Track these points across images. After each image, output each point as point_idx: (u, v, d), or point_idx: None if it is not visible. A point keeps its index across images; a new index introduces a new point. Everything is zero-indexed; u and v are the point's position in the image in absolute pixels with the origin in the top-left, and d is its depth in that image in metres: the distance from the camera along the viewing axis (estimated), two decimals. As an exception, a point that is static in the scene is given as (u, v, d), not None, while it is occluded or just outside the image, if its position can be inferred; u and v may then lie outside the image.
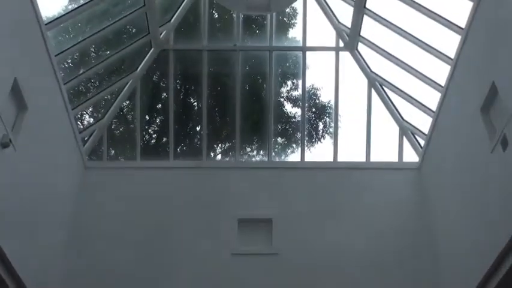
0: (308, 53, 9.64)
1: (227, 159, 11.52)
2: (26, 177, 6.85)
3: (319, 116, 11.37)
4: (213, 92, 10.82)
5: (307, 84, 10.55)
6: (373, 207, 8.78)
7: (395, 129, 9.48)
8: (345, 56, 9.50)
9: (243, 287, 8.12)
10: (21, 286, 6.68)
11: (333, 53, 9.48)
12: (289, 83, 11.35)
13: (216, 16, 10.78)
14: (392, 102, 9.48)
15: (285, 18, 10.86)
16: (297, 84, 11.22)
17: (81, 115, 10.77)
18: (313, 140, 11.24)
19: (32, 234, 7.10)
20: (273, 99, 9.85)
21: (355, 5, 8.74)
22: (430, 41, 8.25)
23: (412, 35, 8.42)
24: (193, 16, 9.81)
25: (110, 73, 10.20)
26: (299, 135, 10.51)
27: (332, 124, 10.52)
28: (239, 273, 8.18)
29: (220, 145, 11.67)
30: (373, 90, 9.45)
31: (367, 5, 8.72)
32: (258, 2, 8.32)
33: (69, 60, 9.57)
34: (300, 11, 9.91)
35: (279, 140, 11.28)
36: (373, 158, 9.43)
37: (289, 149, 11.34)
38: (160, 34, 9.33)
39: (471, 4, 7.03)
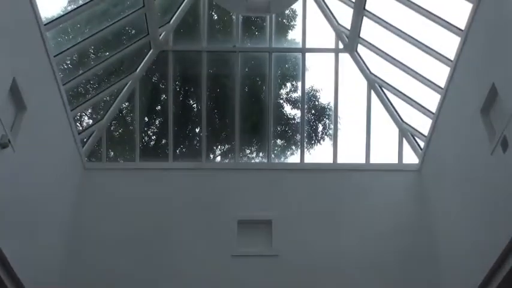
0: (307, 55, 9.64)
1: (226, 161, 11.50)
2: (25, 177, 6.83)
3: (318, 118, 11.36)
4: (213, 93, 10.81)
5: (307, 86, 10.55)
6: (373, 209, 8.77)
7: (395, 131, 9.47)
8: (345, 58, 9.50)
9: (242, 289, 8.11)
10: (20, 287, 6.65)
11: (333, 54, 9.47)
12: (288, 84, 11.34)
13: (216, 17, 10.77)
14: (392, 104, 9.48)
15: (284, 20, 10.86)
16: (297, 86, 11.22)
17: (80, 116, 10.75)
18: (313, 142, 11.23)
19: (31, 235, 7.08)
20: (273, 100, 9.84)
21: (354, 7, 8.74)
22: (429, 43, 8.25)
23: (412, 37, 8.42)
24: (192, 17, 9.79)
25: (109, 74, 10.18)
26: (298, 137, 10.49)
27: (331, 126, 10.53)
28: (239, 275, 8.16)
29: (219, 147, 11.66)
30: (372, 92, 9.45)
31: (367, 7, 8.72)
32: (257, 4, 8.32)
33: (68, 62, 9.56)
34: (299, 12, 9.91)
35: (279, 141, 11.27)
36: (373, 160, 9.43)
37: (288, 150, 11.32)
38: (160, 35, 9.32)
39: (471, 6, 7.03)
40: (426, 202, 8.78)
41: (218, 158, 11.61)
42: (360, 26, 9.07)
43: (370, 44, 9.23)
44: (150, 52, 9.46)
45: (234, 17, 9.71)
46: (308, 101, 11.01)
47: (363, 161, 9.44)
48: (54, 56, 7.73)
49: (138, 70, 9.48)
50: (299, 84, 10.61)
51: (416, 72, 8.79)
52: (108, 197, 8.87)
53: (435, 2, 7.86)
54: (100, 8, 8.68)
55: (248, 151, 11.43)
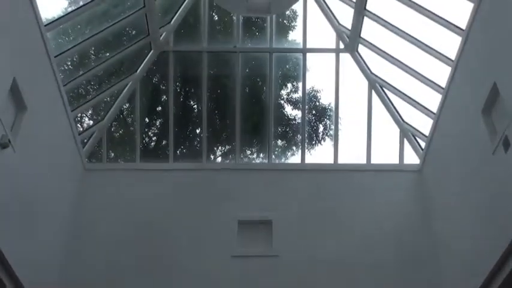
0: (308, 55, 9.64)
1: (227, 161, 11.49)
2: (25, 178, 6.83)
3: (319, 118, 11.36)
4: (213, 94, 10.81)
5: (308, 86, 10.54)
6: (373, 209, 8.75)
7: (396, 131, 9.45)
8: (345, 58, 9.49)
9: (243, 290, 8.09)
10: (19, 287, 6.64)
11: (333, 54, 9.46)
12: (289, 85, 11.34)
13: (216, 18, 10.77)
14: (392, 104, 9.46)
15: (285, 21, 10.86)
16: (297, 86, 11.22)
17: (81, 117, 10.76)
18: (314, 142, 11.22)
19: (31, 235, 7.07)
20: (273, 101, 9.82)
21: (355, 7, 8.73)
22: (430, 43, 8.23)
23: (413, 37, 8.41)
24: (193, 18, 9.79)
25: (109, 75, 10.18)
26: (299, 137, 10.48)
27: (332, 126, 10.51)
28: (239, 275, 8.14)
29: (220, 147, 11.66)
30: (373, 92, 9.43)
31: (368, 7, 8.71)
32: (258, 4, 8.29)
33: (69, 63, 9.56)
34: (300, 12, 9.90)
35: (279, 142, 11.27)
36: (374, 160, 9.40)
37: (289, 151, 11.32)
38: (160, 36, 9.31)
39: (472, 5, 7.01)
40: (427, 202, 8.76)
41: (219, 159, 11.61)
42: (361, 26, 9.06)
43: (371, 44, 9.22)
44: (151, 53, 9.46)
45: (234, 17, 9.71)
46: (309, 102, 11.00)
47: (363, 161, 9.42)
48: (55, 57, 7.73)
49: (138, 71, 9.48)
50: (300, 84, 10.62)
51: (417, 72, 8.77)
52: (109, 197, 8.86)
53: (436, 1, 7.85)
54: (100, 8, 8.68)
55: (249, 152, 11.42)
